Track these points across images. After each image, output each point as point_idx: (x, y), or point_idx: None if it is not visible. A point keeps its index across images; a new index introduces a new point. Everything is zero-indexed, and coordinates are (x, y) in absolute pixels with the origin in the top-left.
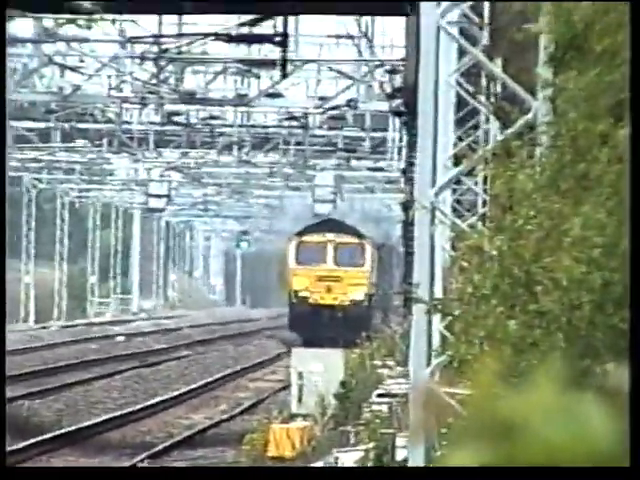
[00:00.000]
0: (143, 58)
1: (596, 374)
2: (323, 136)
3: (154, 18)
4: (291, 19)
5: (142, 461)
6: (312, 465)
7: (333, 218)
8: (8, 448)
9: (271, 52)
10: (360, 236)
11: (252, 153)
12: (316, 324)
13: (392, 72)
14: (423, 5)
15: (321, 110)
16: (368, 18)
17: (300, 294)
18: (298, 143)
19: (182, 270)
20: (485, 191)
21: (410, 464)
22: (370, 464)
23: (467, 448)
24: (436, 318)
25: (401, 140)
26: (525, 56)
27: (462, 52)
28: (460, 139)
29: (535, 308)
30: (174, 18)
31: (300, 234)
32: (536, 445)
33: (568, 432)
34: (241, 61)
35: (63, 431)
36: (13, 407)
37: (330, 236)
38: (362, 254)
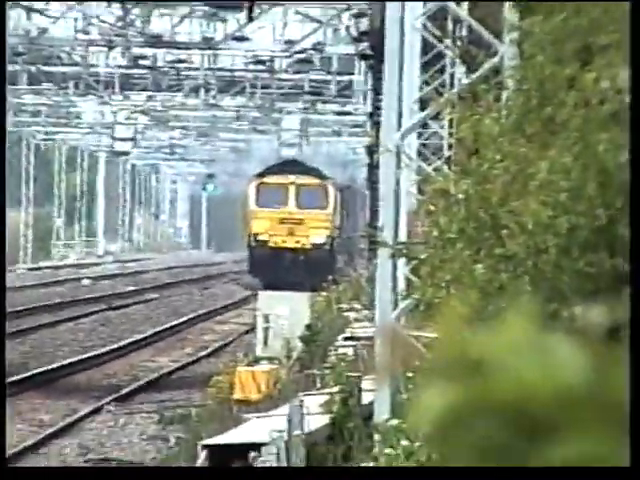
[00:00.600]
0: (110, 0)
1: (563, 317)
2: (290, 80)
3: None
4: None
5: (108, 403)
6: (312, 465)
7: (295, 159)
8: None
9: None
10: (323, 177)
11: (219, 96)
12: (277, 268)
13: (359, 16)
14: None
15: (288, 53)
16: None
17: (260, 237)
18: (265, 87)
19: (148, 213)
20: (451, 135)
21: (376, 407)
22: (336, 407)
23: (435, 388)
24: (401, 262)
25: (367, 84)
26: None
27: None
28: (426, 83)
29: (501, 252)
30: None
31: (260, 175)
32: (505, 382)
33: (538, 368)
34: (208, 4)
35: (29, 374)
36: None
37: (292, 177)
38: (325, 196)
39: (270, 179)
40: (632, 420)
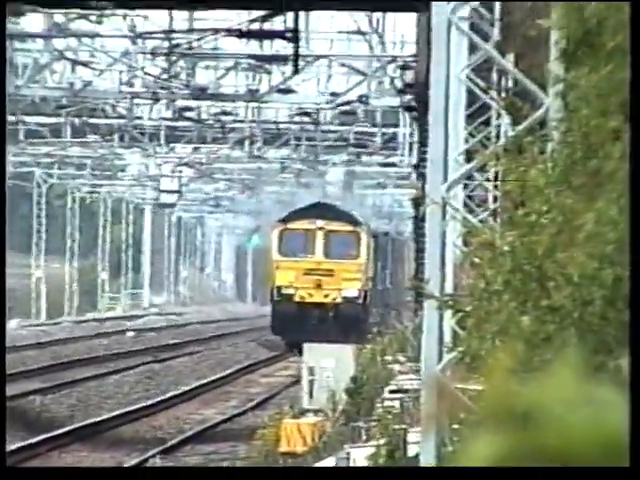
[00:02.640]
0: (154, 53)
1: (609, 369)
2: (334, 131)
3: (165, 13)
4: (302, 14)
5: (154, 456)
6: (312, 465)
7: (324, 202)
8: (20, 444)
9: (282, 48)
10: (355, 223)
11: (264, 149)
12: (302, 327)
13: (403, 68)
14: (434, 1)
15: (332, 106)
16: (379, 14)
17: (284, 291)
18: (309, 139)
19: (193, 266)
20: (496, 187)
21: (421, 459)
22: (382, 460)
23: (483, 439)
24: (447, 314)
25: (412, 135)
26: (536, 52)
27: (473, 47)
28: (471, 135)
29: (547, 304)
30: (185, 13)
31: (284, 220)
32: (552, 433)
33: (584, 423)
34: (252, 57)
35: (75, 426)
36: (25, 402)
37: (320, 223)
38: (357, 244)
39: (295, 224)
40: (632, 420)
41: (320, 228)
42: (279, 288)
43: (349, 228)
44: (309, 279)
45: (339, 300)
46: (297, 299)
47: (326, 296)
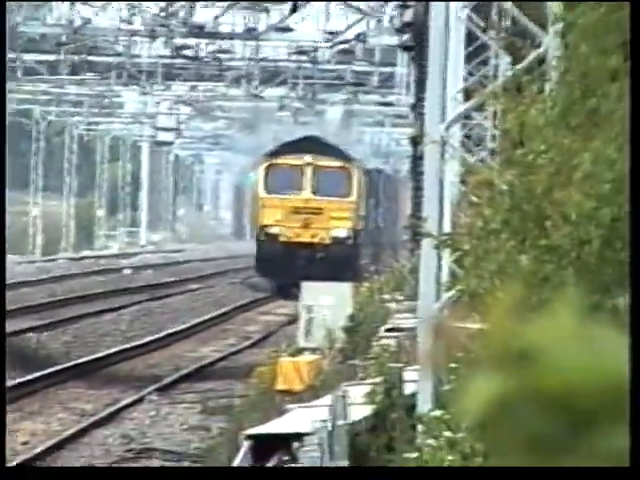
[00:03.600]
0: None
1: (606, 309)
2: (332, 70)
3: None
4: None
5: (150, 393)
6: (312, 465)
7: (314, 135)
8: (17, 380)
9: None
10: (346, 158)
11: (261, 87)
12: (289, 268)
13: (402, 6)
14: None
15: (330, 44)
16: None
17: (270, 230)
18: (307, 77)
19: (191, 204)
20: (494, 126)
21: (419, 398)
22: (378, 398)
23: (482, 377)
24: (445, 253)
25: (410, 75)
26: None
27: None
28: (470, 74)
29: (545, 243)
30: None
31: (271, 155)
32: (551, 371)
33: (584, 361)
34: None
35: (71, 363)
36: (22, 339)
37: (308, 158)
38: (348, 181)
39: (282, 159)
40: (632, 420)
41: (308, 163)
42: (264, 227)
43: (339, 164)
44: (297, 218)
45: (328, 240)
46: (283, 239)
47: (314, 236)
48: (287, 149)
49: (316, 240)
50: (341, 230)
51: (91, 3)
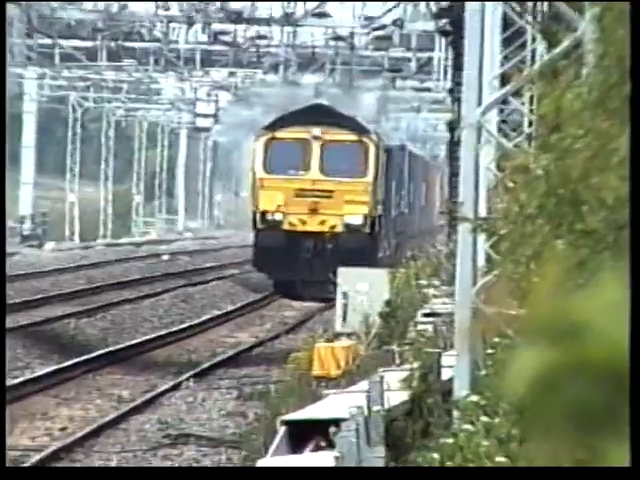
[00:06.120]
0: None
1: None
2: (369, 57)
3: None
4: None
5: (187, 380)
6: (312, 465)
7: (322, 104)
8: (54, 367)
9: None
10: (361, 130)
11: (298, 73)
12: (292, 262)
13: None
14: None
15: (367, 30)
16: None
17: (270, 217)
18: (344, 63)
19: (229, 190)
20: (531, 111)
21: (455, 383)
22: (415, 383)
23: (529, 351)
24: (481, 238)
25: (447, 60)
26: None
27: None
28: (507, 59)
29: (581, 227)
30: None
31: (271, 127)
32: (597, 343)
33: (623, 335)
34: None
35: (109, 349)
36: (60, 325)
37: (316, 131)
38: (364, 158)
39: (285, 132)
40: (632, 420)
41: (316, 137)
42: (264, 213)
43: (353, 137)
44: (302, 202)
45: (340, 229)
46: (286, 227)
47: (323, 223)
48: (290, 120)
49: (326, 228)
50: (355, 217)
51: None
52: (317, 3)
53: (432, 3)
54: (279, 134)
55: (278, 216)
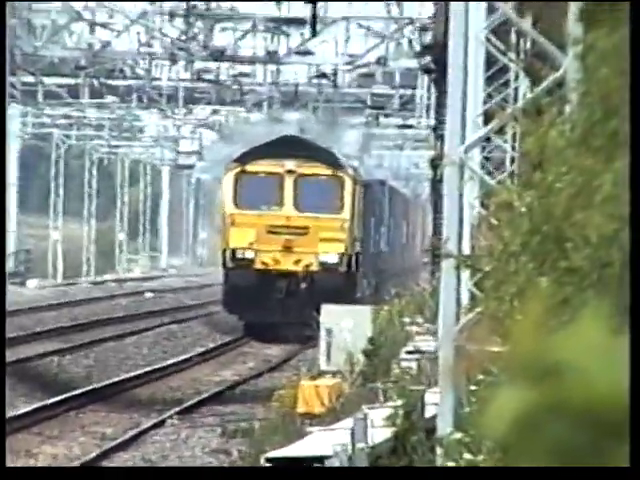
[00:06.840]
0: (172, 15)
1: (626, 331)
2: (352, 94)
3: None
4: None
5: (171, 417)
6: (311, 465)
7: (295, 135)
8: (38, 404)
9: (300, 10)
10: (337, 165)
11: (282, 111)
12: (264, 303)
13: (421, 29)
14: None
15: (350, 67)
16: None
17: (241, 254)
18: (327, 101)
19: (212, 228)
20: (514, 148)
21: (438, 421)
22: (399, 421)
23: (503, 397)
24: (465, 275)
25: (430, 98)
26: (555, 12)
27: (491, 9)
28: (490, 96)
29: (566, 265)
30: None
31: (242, 159)
32: (575, 391)
33: (609, 371)
34: (270, 19)
35: (92, 387)
36: (43, 363)
37: (289, 164)
38: (339, 193)
39: (256, 166)
40: (632, 420)
41: (290, 171)
42: (234, 251)
43: (329, 172)
44: (275, 239)
45: (315, 267)
46: (258, 266)
47: (297, 262)
48: (262, 152)
49: (300, 267)
50: (331, 255)
51: (111, 26)
52: (299, 41)
53: (415, 41)
54: (250, 167)
55: (249, 254)
